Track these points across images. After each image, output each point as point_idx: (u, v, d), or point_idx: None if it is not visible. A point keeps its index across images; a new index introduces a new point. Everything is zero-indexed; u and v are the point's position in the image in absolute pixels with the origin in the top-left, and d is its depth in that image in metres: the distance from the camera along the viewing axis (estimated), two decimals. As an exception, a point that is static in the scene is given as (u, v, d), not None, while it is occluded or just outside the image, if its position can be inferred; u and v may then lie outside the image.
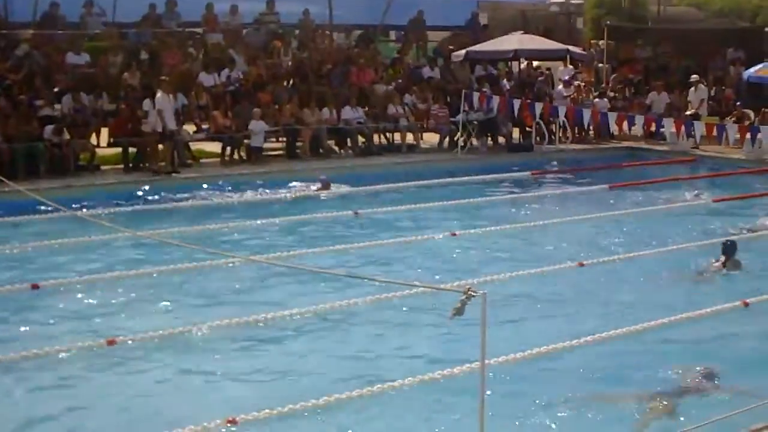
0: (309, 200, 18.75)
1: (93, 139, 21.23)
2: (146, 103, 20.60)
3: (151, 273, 13.00)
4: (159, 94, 20.11)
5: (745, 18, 45.68)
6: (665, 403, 8.75)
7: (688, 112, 26.83)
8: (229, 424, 8.13)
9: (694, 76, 28.01)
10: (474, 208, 18.51)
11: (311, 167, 21.63)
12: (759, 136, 22.80)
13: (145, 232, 13.99)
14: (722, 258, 13.75)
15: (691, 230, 16.56)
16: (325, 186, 19.57)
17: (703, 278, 13.62)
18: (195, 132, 22.32)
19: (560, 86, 28.02)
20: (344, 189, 19.74)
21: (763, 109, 26.86)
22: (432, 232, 15.91)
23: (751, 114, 27.03)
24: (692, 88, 27.59)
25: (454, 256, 14.64)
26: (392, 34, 33.06)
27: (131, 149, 20.73)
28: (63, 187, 18.32)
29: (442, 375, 9.12)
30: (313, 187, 19.60)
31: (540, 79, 28.78)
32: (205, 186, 19.40)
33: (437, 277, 12.96)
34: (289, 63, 25.74)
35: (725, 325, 11.25)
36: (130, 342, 10.18)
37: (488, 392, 6.34)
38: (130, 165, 20.64)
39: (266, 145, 22.65)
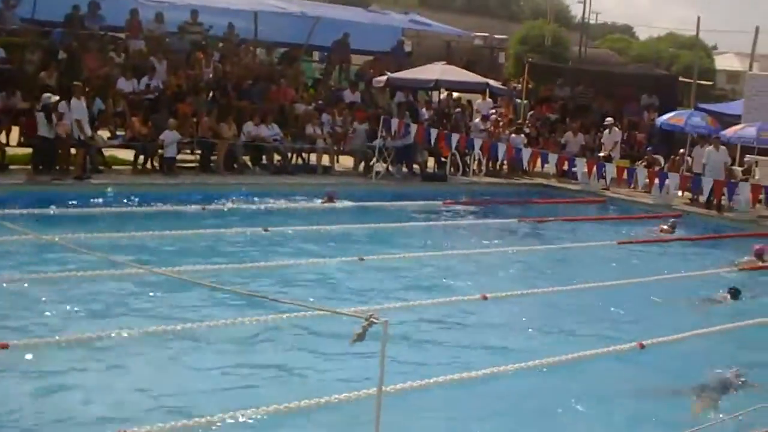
0: (219, 214, 18.63)
1: (3, 138, 20.81)
2: (62, 105, 20.24)
3: (52, 278, 12.77)
4: (73, 101, 19.75)
5: (661, 66, 46.99)
6: None
7: (601, 154, 27.39)
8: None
9: (609, 119, 28.64)
10: (384, 234, 18.57)
11: (225, 182, 21.57)
12: (667, 182, 23.36)
13: (50, 236, 13.74)
14: (728, 297, 14.97)
15: (596, 269, 16.84)
16: (330, 199, 20.56)
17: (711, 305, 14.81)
18: (109, 138, 22.03)
19: (478, 119, 28.35)
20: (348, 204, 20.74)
21: (672, 156, 27.57)
22: (340, 255, 15.92)
23: (662, 160, 27.76)
24: (606, 131, 28.18)
25: (361, 280, 14.64)
26: (316, 55, 33.12)
27: (42, 150, 20.37)
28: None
29: (339, 399, 9.10)
30: (318, 201, 20.65)
31: (457, 110, 29.05)
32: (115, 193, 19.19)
33: (341, 300, 12.95)
34: (210, 75, 25.59)
35: (621, 364, 11.46)
36: (22, 347, 9.97)
37: (384, 419, 6.36)
38: (40, 167, 20.27)
39: (181, 157, 22.49)
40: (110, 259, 10.95)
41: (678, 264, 17.89)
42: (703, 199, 24.43)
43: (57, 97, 19.73)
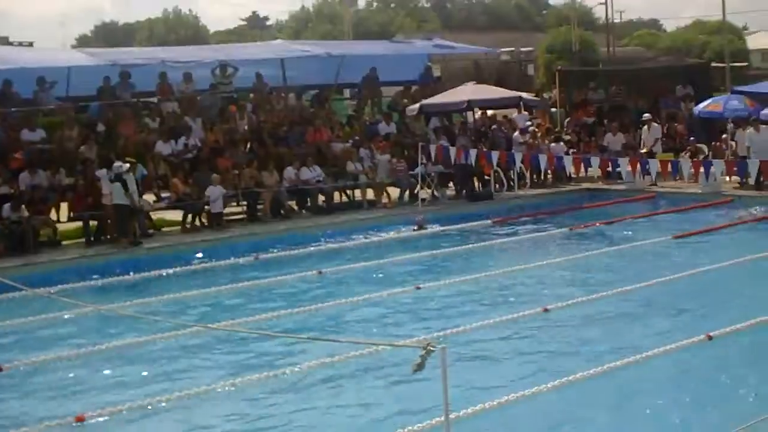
0: (273, 261, 18.75)
1: (53, 215, 21.15)
2: (102, 173, 20.45)
3: (117, 347, 12.92)
4: (128, 177, 19.89)
5: (692, 55, 46.59)
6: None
7: (642, 150, 27.19)
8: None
9: (646, 115, 28.43)
10: (438, 259, 18.59)
11: (273, 229, 21.70)
12: (713, 169, 23.11)
13: (108, 305, 13.93)
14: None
15: (655, 267, 16.71)
16: (420, 227, 21.52)
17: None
18: (155, 201, 22.29)
19: (516, 133, 28.31)
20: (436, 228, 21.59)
21: (714, 143, 27.30)
22: (397, 287, 15.94)
23: (705, 148, 27.46)
24: (645, 127, 27.98)
25: (420, 309, 14.66)
26: (346, 92, 33.33)
27: (92, 222, 20.66)
28: (22, 265, 18.16)
29: (411, 431, 9.08)
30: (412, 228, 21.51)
31: (494, 127, 29.02)
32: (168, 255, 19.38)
33: (402, 331, 12.97)
34: (246, 127, 25.85)
35: (688, 360, 11.36)
36: (98, 417, 10.10)
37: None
38: (92, 238, 20.54)
39: (227, 210, 22.67)
40: (167, 321, 11.04)
41: (738, 249, 17.70)
42: (752, 181, 24.15)
43: (128, 165, 19.97)
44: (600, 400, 10.16)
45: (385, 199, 24.73)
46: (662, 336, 12.21)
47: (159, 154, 23.51)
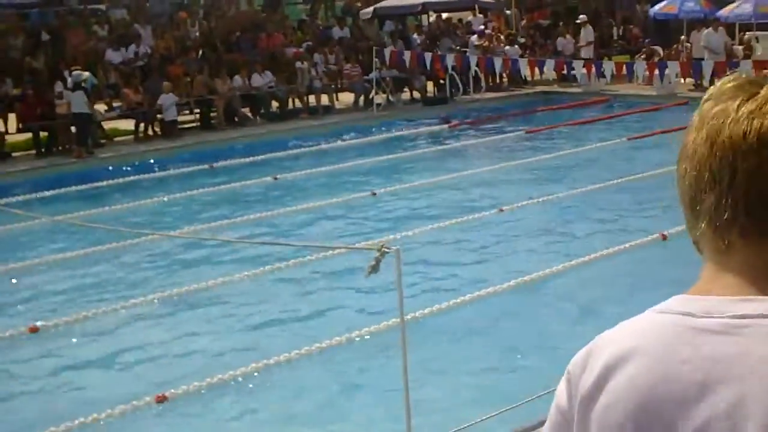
0: (227, 169, 18.57)
1: (0, 126, 20.74)
2: (58, 86, 20.07)
3: (70, 257, 12.78)
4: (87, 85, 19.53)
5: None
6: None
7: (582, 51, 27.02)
8: (158, 402, 8.04)
9: (582, 16, 28.07)
10: (393, 164, 18.51)
11: (227, 136, 21.49)
12: (667, 71, 23.09)
13: (62, 216, 13.74)
14: None
15: (610, 168, 16.76)
16: None
17: None
18: (107, 111, 21.93)
19: (474, 36, 28.05)
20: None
21: (674, 45, 27.25)
22: (352, 193, 15.89)
23: (660, 50, 27.40)
24: (582, 29, 27.76)
25: (376, 214, 14.63)
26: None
27: (42, 133, 20.29)
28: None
29: (367, 332, 9.11)
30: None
31: (449, 30, 28.75)
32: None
33: (358, 236, 12.93)
34: (197, 33, 25.40)
35: (643, 258, 11.44)
36: (52, 328, 10.02)
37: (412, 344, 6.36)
38: (43, 150, 20.20)
39: (180, 118, 22.37)
40: (122, 230, 10.93)
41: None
42: (706, 83, 24.15)
43: (87, 73, 19.58)
44: (555, 299, 10.23)
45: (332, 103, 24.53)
46: (617, 235, 12.29)
47: (109, 63, 23.06)
